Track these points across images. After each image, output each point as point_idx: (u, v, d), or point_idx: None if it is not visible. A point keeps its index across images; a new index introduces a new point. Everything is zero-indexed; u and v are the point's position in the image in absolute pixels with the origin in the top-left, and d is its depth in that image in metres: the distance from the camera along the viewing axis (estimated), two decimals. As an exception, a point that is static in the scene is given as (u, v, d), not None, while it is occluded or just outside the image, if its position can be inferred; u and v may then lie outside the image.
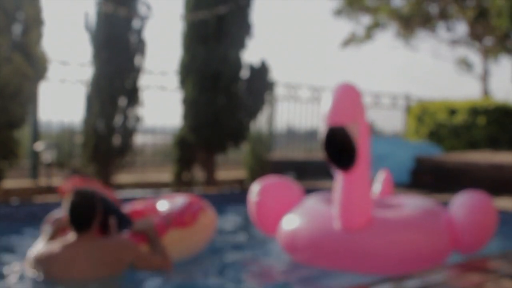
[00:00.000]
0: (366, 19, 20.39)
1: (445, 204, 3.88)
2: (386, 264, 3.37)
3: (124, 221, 3.57)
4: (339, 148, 3.25)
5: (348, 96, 3.28)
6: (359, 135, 3.28)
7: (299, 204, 3.93)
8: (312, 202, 3.86)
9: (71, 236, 3.07)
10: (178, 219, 3.57)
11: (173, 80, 8.00)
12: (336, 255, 3.46)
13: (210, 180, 7.42)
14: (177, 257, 3.54)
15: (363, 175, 3.41)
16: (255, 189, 4.02)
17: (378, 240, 3.39)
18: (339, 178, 3.44)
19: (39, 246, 3.12)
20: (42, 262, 3.04)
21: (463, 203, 3.61)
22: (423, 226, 3.51)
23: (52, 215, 3.50)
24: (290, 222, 3.76)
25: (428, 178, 7.47)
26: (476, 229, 3.53)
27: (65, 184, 3.43)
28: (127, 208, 3.75)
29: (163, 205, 3.79)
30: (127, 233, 3.38)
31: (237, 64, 7.39)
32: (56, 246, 3.05)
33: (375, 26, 20.29)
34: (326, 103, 3.28)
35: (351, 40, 20.91)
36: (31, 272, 3.12)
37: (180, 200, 3.81)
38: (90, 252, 3.00)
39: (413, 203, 3.79)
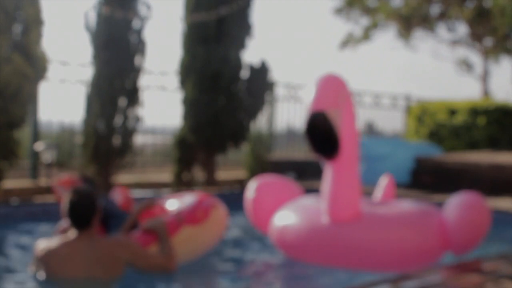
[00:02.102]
0: (364, 20, 20.37)
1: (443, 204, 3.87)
2: (374, 259, 3.35)
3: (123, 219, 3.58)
4: (322, 135, 3.25)
5: (329, 84, 3.32)
6: (343, 122, 3.28)
7: (292, 201, 3.94)
8: (305, 200, 3.86)
9: (71, 234, 3.08)
10: (190, 216, 3.54)
11: (173, 80, 8.00)
12: (324, 249, 3.45)
13: (210, 180, 7.42)
14: (190, 254, 3.54)
15: (349, 166, 3.41)
16: (252, 187, 4.03)
17: (366, 235, 3.37)
18: (327, 171, 3.45)
19: (41, 244, 3.13)
20: (42, 259, 3.04)
21: (456, 204, 3.57)
22: (412, 224, 3.48)
23: (61, 225, 3.49)
24: (280, 218, 3.77)
25: (428, 178, 7.47)
26: (468, 230, 3.49)
27: (59, 182, 3.46)
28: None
29: (172, 204, 3.78)
30: (138, 232, 3.38)
31: (237, 65, 7.39)
32: (55, 243, 3.06)
33: (373, 26, 20.27)
34: (310, 93, 3.32)
35: (348, 41, 20.88)
36: (33, 270, 3.12)
37: (190, 197, 3.79)
38: (87, 250, 3.00)
39: (407, 204, 3.77)
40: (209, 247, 3.75)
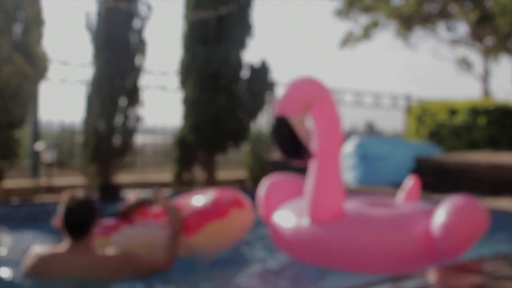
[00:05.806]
0: (364, 19, 20.38)
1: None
2: (350, 260, 3.32)
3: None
4: (285, 139, 3.31)
5: (296, 89, 3.36)
6: (321, 124, 3.35)
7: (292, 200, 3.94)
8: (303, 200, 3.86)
9: (64, 245, 2.86)
10: (213, 210, 3.52)
11: (173, 80, 8.02)
12: (305, 249, 3.46)
13: (211, 180, 7.42)
14: (216, 247, 3.57)
15: (330, 166, 3.42)
16: (264, 184, 4.06)
17: (342, 235, 3.34)
18: (309, 171, 3.47)
19: (35, 250, 2.93)
20: (33, 268, 2.85)
21: (445, 210, 3.39)
22: (394, 228, 3.39)
23: None
24: (276, 217, 3.79)
25: (428, 178, 7.46)
26: (456, 238, 3.32)
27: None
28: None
29: (198, 201, 3.72)
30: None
31: (237, 64, 7.39)
32: (46, 254, 2.84)
33: (373, 25, 20.26)
34: (279, 97, 3.39)
35: (348, 40, 20.87)
36: (26, 275, 2.95)
37: (211, 194, 3.74)
38: (81, 266, 2.80)
39: (407, 207, 3.72)
40: (234, 241, 3.72)
